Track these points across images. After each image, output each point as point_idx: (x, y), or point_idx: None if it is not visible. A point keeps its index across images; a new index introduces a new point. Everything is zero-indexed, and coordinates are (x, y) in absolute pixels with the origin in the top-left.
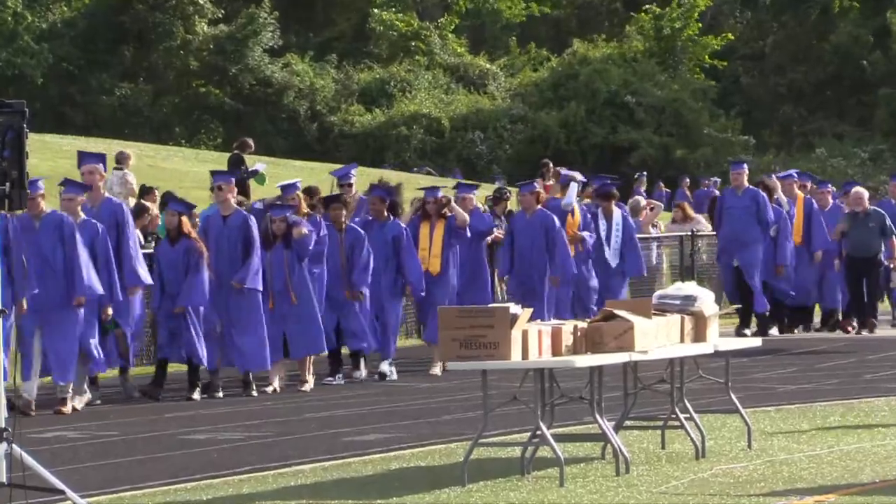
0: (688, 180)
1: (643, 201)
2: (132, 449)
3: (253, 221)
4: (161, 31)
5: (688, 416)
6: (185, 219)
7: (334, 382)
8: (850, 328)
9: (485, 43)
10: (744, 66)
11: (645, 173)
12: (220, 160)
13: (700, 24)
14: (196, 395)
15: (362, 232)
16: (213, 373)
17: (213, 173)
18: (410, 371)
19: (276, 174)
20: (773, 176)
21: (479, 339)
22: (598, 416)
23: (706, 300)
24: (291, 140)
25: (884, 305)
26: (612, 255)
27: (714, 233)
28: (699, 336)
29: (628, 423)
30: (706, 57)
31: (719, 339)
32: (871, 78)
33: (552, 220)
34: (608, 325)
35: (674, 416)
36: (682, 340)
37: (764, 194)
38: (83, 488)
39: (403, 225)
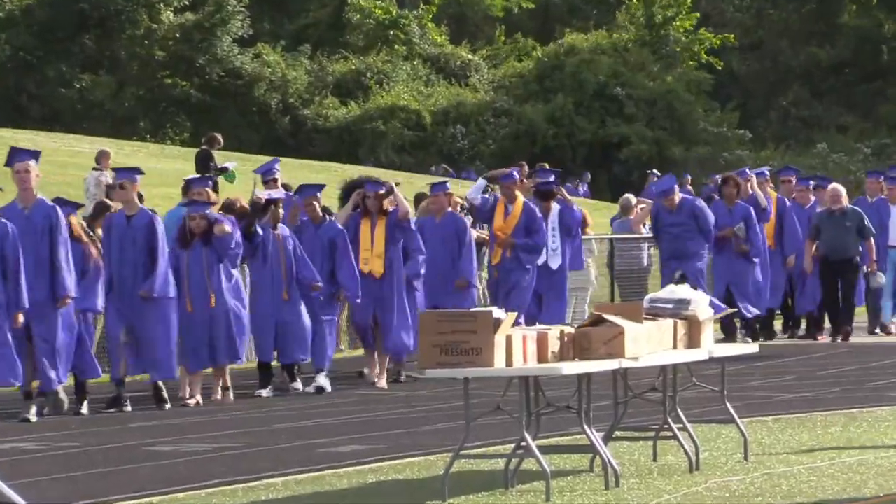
0: (689, 177)
1: (634, 199)
2: (93, 461)
3: (159, 222)
4: (124, 19)
5: (681, 426)
6: (73, 219)
7: (264, 395)
8: (820, 336)
9: (467, 32)
10: (741, 56)
11: (656, 171)
12: (187, 156)
13: (697, 15)
14: (84, 409)
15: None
16: (118, 385)
17: (117, 171)
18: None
19: (246, 171)
20: (748, 171)
21: (461, 345)
22: (586, 427)
23: (700, 304)
24: (262, 134)
25: (860, 310)
26: (550, 257)
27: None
28: (693, 342)
29: (618, 433)
30: (703, 53)
31: (714, 345)
32: (890, 65)
33: (463, 223)
34: (597, 330)
35: (666, 426)
36: (674, 346)
37: (701, 205)
38: (42, 502)
39: (340, 224)
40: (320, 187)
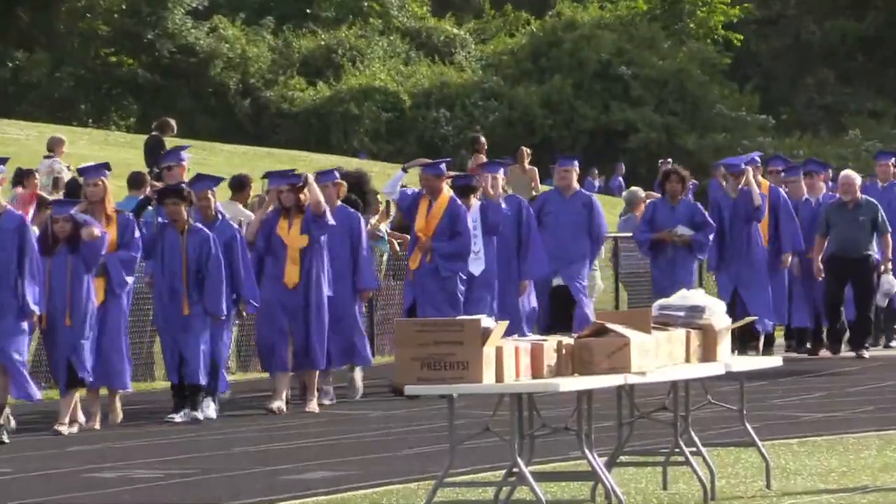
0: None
1: (642, 192)
2: (27, 489)
3: (28, 223)
4: None
5: (694, 450)
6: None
7: (177, 419)
8: (823, 351)
9: (451, 4)
10: (760, 31)
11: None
12: (134, 143)
13: None
14: None
15: (208, 232)
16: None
17: (85, 169)
18: (368, 396)
19: (201, 160)
20: (743, 164)
21: (445, 358)
22: (586, 451)
23: (716, 311)
24: (219, 119)
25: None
26: (472, 261)
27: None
28: (708, 354)
29: (623, 458)
30: (719, 27)
31: (732, 357)
32: None
33: (357, 219)
34: (599, 341)
35: (678, 450)
36: (687, 359)
37: (596, 202)
38: None
39: (253, 231)
40: (218, 180)
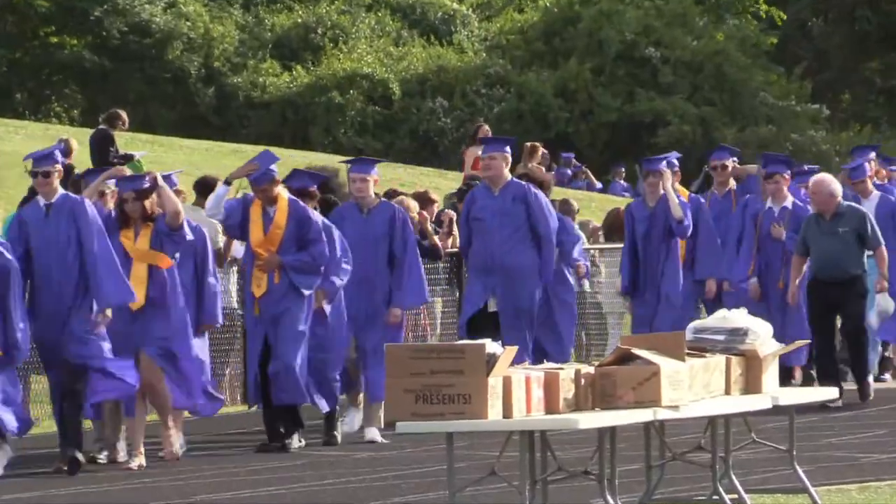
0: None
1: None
2: None
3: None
4: None
5: (736, 497)
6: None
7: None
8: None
9: None
10: (813, 6)
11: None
12: (79, 138)
13: None
14: None
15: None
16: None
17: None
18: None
19: (157, 158)
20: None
21: (444, 391)
22: (609, 498)
23: (761, 335)
24: (179, 110)
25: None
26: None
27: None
28: (752, 385)
29: None
30: (762, 2)
31: (780, 388)
32: None
33: (203, 238)
34: (624, 370)
35: (716, 497)
36: (727, 391)
37: (537, 192)
38: None
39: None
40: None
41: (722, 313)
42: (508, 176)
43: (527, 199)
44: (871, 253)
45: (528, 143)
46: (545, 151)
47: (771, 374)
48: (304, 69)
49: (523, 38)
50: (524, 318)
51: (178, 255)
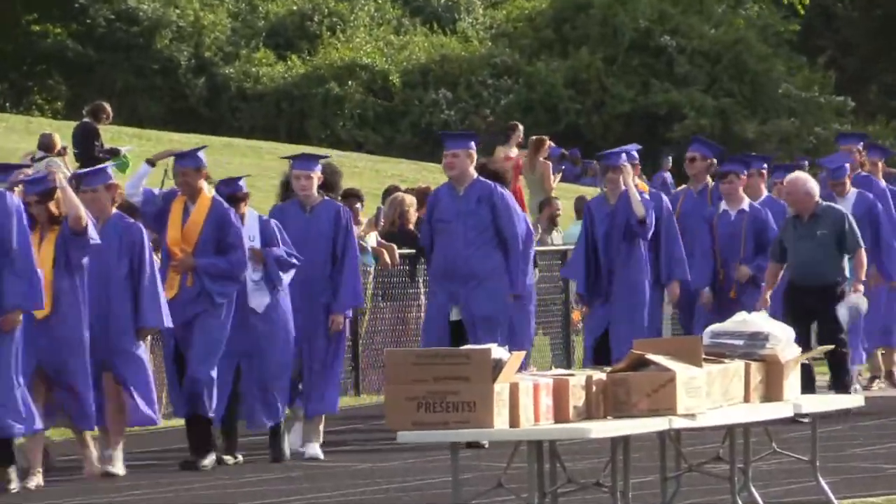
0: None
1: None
2: None
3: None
4: None
5: None
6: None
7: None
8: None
9: None
10: None
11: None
12: (61, 131)
13: None
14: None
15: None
16: None
17: (81, 175)
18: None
19: (144, 153)
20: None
21: (448, 398)
22: None
23: (782, 339)
24: (167, 102)
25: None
26: (252, 292)
27: None
28: (772, 392)
29: None
30: None
31: (802, 396)
32: None
33: (140, 234)
34: (638, 376)
35: None
36: (746, 399)
37: (503, 192)
38: None
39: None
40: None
41: (741, 316)
42: (474, 175)
43: (492, 200)
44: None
45: (534, 137)
46: (552, 144)
47: (792, 380)
48: (300, 59)
49: (531, 26)
50: (491, 328)
51: (85, 259)
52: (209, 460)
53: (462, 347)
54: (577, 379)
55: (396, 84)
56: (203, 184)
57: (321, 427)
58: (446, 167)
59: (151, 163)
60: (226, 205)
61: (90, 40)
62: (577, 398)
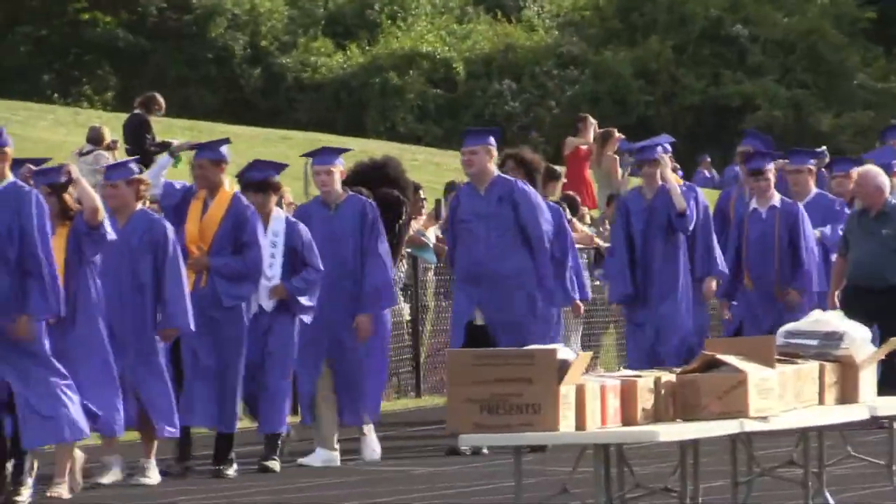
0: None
1: None
2: None
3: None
4: None
5: None
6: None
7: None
8: None
9: None
10: None
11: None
12: (112, 124)
13: None
14: None
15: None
16: None
17: (110, 167)
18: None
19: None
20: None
21: (511, 400)
22: None
23: (857, 339)
24: (222, 94)
25: None
26: (263, 290)
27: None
28: (848, 394)
29: None
30: None
31: (879, 398)
32: None
33: (164, 230)
34: (708, 378)
35: None
36: (821, 401)
37: (525, 188)
38: None
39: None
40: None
41: (815, 315)
42: (494, 171)
43: (514, 198)
44: None
45: (602, 129)
46: (622, 137)
47: (868, 382)
48: (359, 48)
49: (598, 15)
50: (517, 333)
51: (98, 256)
52: (233, 469)
53: (526, 347)
54: (646, 381)
55: (459, 74)
56: (224, 179)
57: (371, 433)
58: (464, 165)
59: (172, 153)
60: (245, 201)
61: (141, 29)
62: (645, 400)
